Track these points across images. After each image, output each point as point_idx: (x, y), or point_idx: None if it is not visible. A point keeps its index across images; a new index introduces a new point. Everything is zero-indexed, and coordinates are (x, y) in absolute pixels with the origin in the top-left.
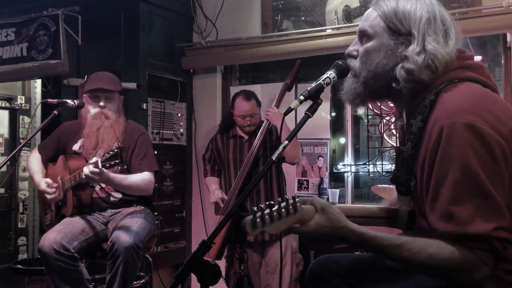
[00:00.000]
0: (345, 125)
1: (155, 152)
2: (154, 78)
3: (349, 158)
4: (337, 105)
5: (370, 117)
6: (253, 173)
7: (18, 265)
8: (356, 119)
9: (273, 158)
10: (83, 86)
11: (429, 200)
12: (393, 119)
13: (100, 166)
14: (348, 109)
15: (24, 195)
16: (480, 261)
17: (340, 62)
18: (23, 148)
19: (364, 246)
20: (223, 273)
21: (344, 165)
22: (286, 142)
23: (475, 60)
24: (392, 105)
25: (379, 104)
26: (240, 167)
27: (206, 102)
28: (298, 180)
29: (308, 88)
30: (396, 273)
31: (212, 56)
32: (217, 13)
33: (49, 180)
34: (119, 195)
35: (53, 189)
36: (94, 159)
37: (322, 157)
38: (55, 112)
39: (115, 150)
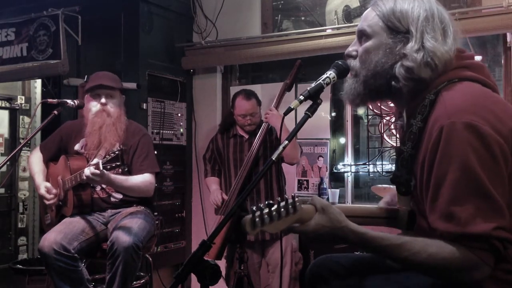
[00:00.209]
0: (345, 125)
1: (155, 152)
2: (154, 78)
3: (349, 158)
4: (337, 105)
5: (370, 117)
6: (253, 173)
7: (18, 265)
8: (356, 119)
9: (273, 158)
10: (83, 86)
11: (429, 200)
12: (393, 119)
13: (101, 168)
14: (348, 109)
15: (24, 195)
16: (480, 261)
17: (340, 62)
18: (23, 148)
19: (364, 246)
20: (223, 273)
21: (344, 165)
22: (286, 142)
23: (475, 59)
24: (392, 105)
25: (379, 104)
26: (240, 167)
27: (206, 102)
28: (298, 180)
29: (308, 88)
30: (396, 273)
31: (212, 56)
32: (217, 13)
33: (48, 185)
34: (119, 196)
35: (52, 195)
36: (95, 160)
37: (322, 157)
38: (55, 112)
39: (117, 152)
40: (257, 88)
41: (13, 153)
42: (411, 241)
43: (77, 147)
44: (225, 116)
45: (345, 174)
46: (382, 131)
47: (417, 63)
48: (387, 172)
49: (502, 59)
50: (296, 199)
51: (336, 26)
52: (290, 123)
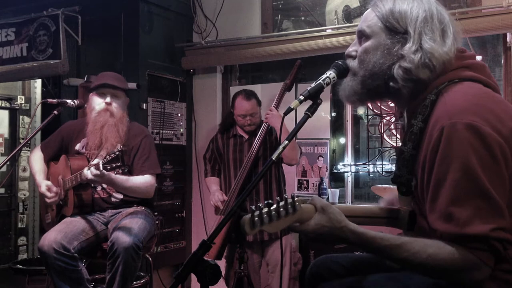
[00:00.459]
0: (345, 125)
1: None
2: (154, 78)
3: (349, 158)
4: (337, 105)
5: (370, 117)
6: (253, 173)
7: (18, 265)
8: (356, 119)
9: (273, 158)
10: (83, 86)
11: (429, 200)
12: (393, 119)
13: (101, 168)
14: (348, 109)
15: (24, 195)
16: (480, 262)
17: (340, 62)
18: (23, 148)
19: (364, 246)
20: (223, 273)
21: (344, 165)
22: (286, 142)
23: (476, 59)
24: (392, 105)
25: (379, 104)
26: (240, 167)
27: (206, 102)
28: (298, 180)
29: (308, 88)
30: (396, 273)
31: (212, 56)
32: (217, 13)
33: (49, 183)
34: (120, 196)
35: (53, 194)
36: (95, 161)
37: (322, 157)
38: (55, 112)
39: (117, 153)
40: (257, 88)
41: (13, 153)
42: (410, 242)
43: (78, 146)
44: (225, 116)
45: (345, 174)
46: (382, 131)
47: (414, 64)
48: (387, 172)
49: (502, 59)
50: (296, 198)
51: (336, 26)
52: (290, 123)
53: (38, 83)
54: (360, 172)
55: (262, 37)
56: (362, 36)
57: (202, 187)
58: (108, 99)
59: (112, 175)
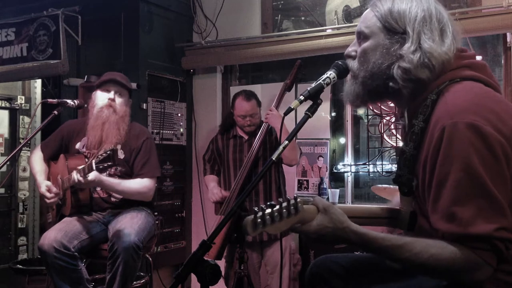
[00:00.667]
0: (345, 125)
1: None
2: (154, 78)
3: (349, 158)
4: (337, 105)
5: (370, 117)
6: (253, 173)
7: (18, 265)
8: (356, 119)
9: (273, 158)
10: (83, 86)
11: (431, 200)
12: (393, 119)
13: (94, 168)
14: (348, 109)
15: (24, 195)
16: (482, 262)
17: (340, 62)
18: (23, 148)
19: (366, 246)
20: (223, 273)
21: (344, 165)
22: (286, 142)
23: (476, 59)
24: (392, 105)
25: (379, 104)
26: (240, 167)
27: (206, 102)
28: (298, 180)
29: (308, 88)
30: (396, 273)
31: (212, 56)
32: (217, 13)
33: (49, 184)
34: (120, 196)
35: (52, 194)
36: (81, 166)
37: (322, 157)
38: (55, 112)
39: (108, 152)
40: (257, 88)
41: (13, 153)
42: (412, 242)
43: (78, 146)
44: (225, 117)
45: (345, 174)
46: (382, 131)
47: (413, 64)
48: (387, 172)
49: (502, 59)
50: (298, 199)
51: (336, 26)
52: (290, 123)
53: (38, 83)
54: (360, 172)
55: (262, 37)
56: (361, 36)
57: (202, 187)
58: (111, 95)
59: (103, 177)
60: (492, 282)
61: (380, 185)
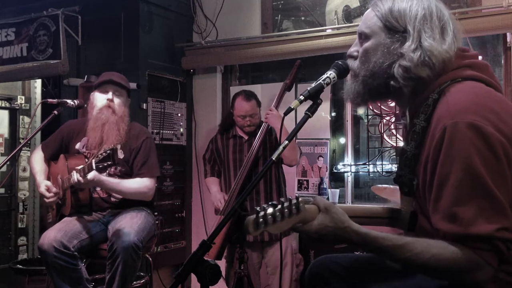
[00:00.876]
0: (345, 125)
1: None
2: (154, 78)
3: (349, 158)
4: (337, 105)
5: (370, 117)
6: (253, 173)
7: (18, 265)
8: (356, 119)
9: (273, 158)
10: (83, 86)
11: (432, 200)
12: (393, 119)
13: (94, 167)
14: (348, 109)
15: (24, 195)
16: (483, 262)
17: (340, 62)
18: (23, 148)
19: (367, 246)
20: (223, 273)
21: (344, 165)
22: (286, 142)
23: (478, 59)
24: (392, 104)
25: (379, 104)
26: (239, 167)
27: (206, 102)
28: (298, 180)
29: (308, 88)
30: (396, 273)
31: (212, 56)
32: (217, 13)
33: (49, 183)
34: (120, 195)
35: (51, 194)
36: (81, 166)
37: (322, 157)
38: (55, 112)
39: (108, 152)
40: (257, 88)
41: (13, 153)
42: (413, 242)
43: (78, 146)
44: (224, 117)
45: (345, 174)
46: (382, 131)
47: (414, 62)
48: (387, 172)
49: (502, 59)
50: (300, 199)
51: (336, 26)
52: (290, 123)
53: (38, 83)
54: (360, 172)
55: (262, 37)
56: (363, 36)
57: (202, 187)
58: (110, 95)
59: (102, 177)
60: (493, 282)
61: (380, 185)
